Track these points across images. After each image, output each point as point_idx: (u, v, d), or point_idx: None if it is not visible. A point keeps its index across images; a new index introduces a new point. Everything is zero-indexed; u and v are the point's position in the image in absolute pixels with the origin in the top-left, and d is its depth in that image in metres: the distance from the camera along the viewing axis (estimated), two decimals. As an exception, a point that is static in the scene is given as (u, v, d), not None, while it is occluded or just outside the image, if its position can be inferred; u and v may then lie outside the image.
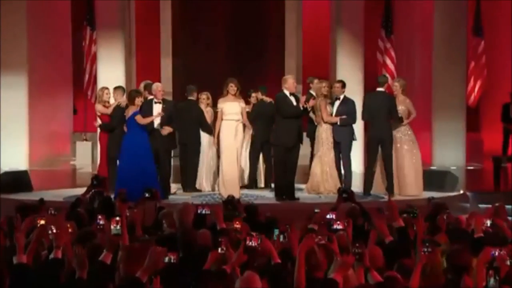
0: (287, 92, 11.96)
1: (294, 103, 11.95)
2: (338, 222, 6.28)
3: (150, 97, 12.38)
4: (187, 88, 13.35)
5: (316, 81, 13.40)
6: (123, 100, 12.43)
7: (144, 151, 11.78)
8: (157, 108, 12.16)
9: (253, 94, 13.48)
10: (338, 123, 12.55)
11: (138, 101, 11.85)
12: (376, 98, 12.49)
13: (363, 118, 12.63)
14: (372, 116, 12.39)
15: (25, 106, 17.07)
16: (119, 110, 12.31)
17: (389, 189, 12.20)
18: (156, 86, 12.42)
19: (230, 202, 8.73)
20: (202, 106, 13.16)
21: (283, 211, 9.95)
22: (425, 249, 5.52)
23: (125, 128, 11.96)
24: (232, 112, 12.35)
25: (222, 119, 12.41)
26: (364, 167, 12.79)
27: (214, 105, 12.97)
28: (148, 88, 12.70)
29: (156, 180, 11.69)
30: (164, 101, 12.28)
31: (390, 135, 12.39)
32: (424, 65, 17.72)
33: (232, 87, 12.38)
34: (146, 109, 12.09)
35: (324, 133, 12.69)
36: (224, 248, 5.73)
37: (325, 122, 12.67)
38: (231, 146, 12.27)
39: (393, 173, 12.35)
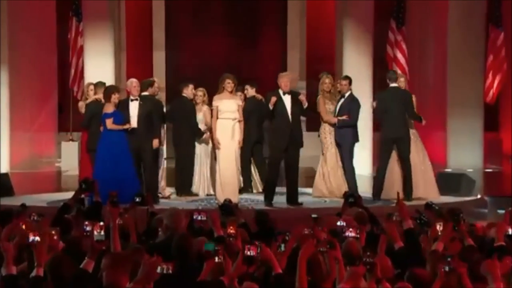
0: (280, 91, 12.02)
1: (287, 103, 11.99)
2: (351, 229, 6.29)
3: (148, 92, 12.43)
4: (180, 84, 13.36)
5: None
6: (99, 97, 12.50)
7: (121, 151, 11.82)
8: (133, 106, 12.19)
9: (239, 93, 13.10)
10: (336, 124, 12.59)
11: (114, 98, 11.94)
12: (390, 94, 12.51)
13: (376, 116, 12.61)
14: (386, 113, 12.42)
15: (6, 104, 17.10)
16: (91, 107, 12.42)
17: (407, 193, 12.20)
18: (130, 82, 12.45)
19: (227, 207, 8.74)
20: (197, 103, 13.17)
21: (285, 217, 9.96)
22: (446, 267, 5.50)
23: (101, 128, 12.04)
24: (228, 110, 12.35)
25: (218, 118, 12.41)
26: (376, 169, 12.76)
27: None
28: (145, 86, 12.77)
29: (137, 182, 11.75)
30: (141, 98, 12.29)
31: (407, 133, 12.45)
32: (438, 58, 17.74)
33: (229, 84, 12.36)
34: (122, 108, 12.16)
35: (323, 133, 12.78)
36: (221, 257, 5.75)
37: (324, 122, 12.74)
38: (228, 147, 12.28)
39: (411, 175, 12.40)
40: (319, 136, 12.97)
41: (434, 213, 8.03)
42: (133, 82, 12.40)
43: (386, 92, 12.73)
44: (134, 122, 12.17)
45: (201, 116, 13.08)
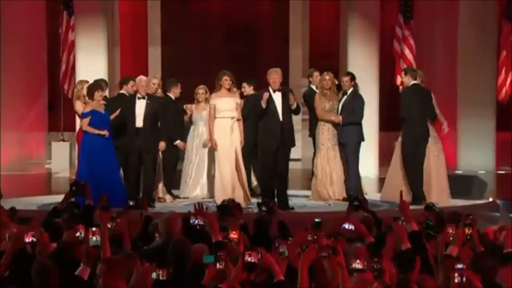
0: (270, 89, 12.00)
1: (278, 101, 11.96)
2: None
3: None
4: (166, 82, 13.36)
5: (316, 73, 13.47)
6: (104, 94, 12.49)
7: (103, 153, 11.79)
8: (140, 104, 12.19)
9: (234, 89, 13.00)
10: (341, 122, 12.59)
11: (98, 95, 11.92)
12: (412, 92, 12.50)
13: (403, 114, 12.59)
14: (408, 112, 12.43)
15: (-7, 102, 17.11)
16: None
17: (412, 197, 12.19)
18: (139, 79, 12.45)
19: (225, 208, 8.73)
20: (199, 102, 13.14)
21: (286, 221, 9.96)
22: (458, 278, 5.48)
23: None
24: (227, 108, 12.35)
25: (215, 117, 12.40)
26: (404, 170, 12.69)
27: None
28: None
29: (122, 187, 11.76)
30: (149, 97, 12.30)
31: (427, 133, 12.46)
32: (448, 54, 17.73)
33: (227, 81, 12.36)
34: (128, 105, 12.15)
35: (317, 133, 12.84)
36: (223, 264, 5.73)
37: (320, 120, 12.78)
38: (227, 146, 12.29)
39: (422, 178, 12.42)
40: (309, 135, 13.06)
41: (434, 215, 8.06)
42: (142, 79, 12.41)
43: (407, 90, 12.66)
44: (139, 121, 12.16)
45: (205, 114, 13.05)
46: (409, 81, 12.58)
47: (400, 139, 12.73)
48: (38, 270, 5.67)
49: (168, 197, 12.96)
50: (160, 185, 12.95)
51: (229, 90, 12.41)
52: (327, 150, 12.82)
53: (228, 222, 7.88)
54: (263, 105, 11.87)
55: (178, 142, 12.99)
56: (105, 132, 11.87)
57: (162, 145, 12.39)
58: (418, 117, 12.44)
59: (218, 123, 12.37)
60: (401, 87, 12.83)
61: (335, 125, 12.76)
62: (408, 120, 12.48)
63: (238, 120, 12.44)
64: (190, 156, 13.30)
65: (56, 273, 5.69)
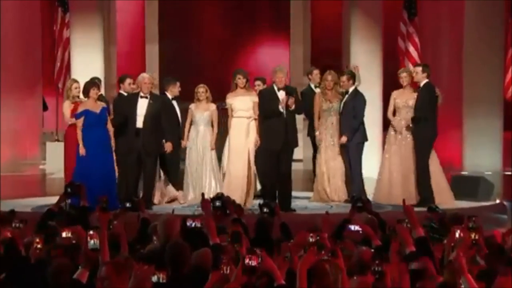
0: (275, 87, 12.02)
1: (281, 99, 11.99)
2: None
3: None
4: (164, 80, 13.35)
5: (315, 71, 13.46)
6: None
7: (97, 151, 11.79)
8: (142, 104, 12.18)
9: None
10: (345, 140, 12.62)
11: (93, 93, 11.91)
12: (427, 92, 12.52)
13: (419, 116, 12.59)
14: (423, 113, 12.46)
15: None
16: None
17: (422, 199, 12.20)
18: (142, 77, 12.42)
19: (219, 200, 8.72)
20: (200, 101, 13.15)
21: (288, 222, 9.98)
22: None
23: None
24: (243, 108, 12.38)
25: (232, 117, 12.43)
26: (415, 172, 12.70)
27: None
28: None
29: (114, 192, 11.76)
30: (151, 96, 12.29)
31: (436, 134, 12.50)
32: (453, 52, 17.73)
33: (240, 79, 12.39)
34: (130, 104, 12.15)
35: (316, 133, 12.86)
36: (225, 268, 5.73)
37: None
38: (241, 147, 12.30)
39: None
40: (307, 134, 13.07)
41: (437, 217, 8.05)
42: (145, 78, 12.38)
43: (423, 90, 12.58)
44: (140, 122, 12.15)
45: (207, 114, 13.03)
46: (424, 79, 12.55)
47: (403, 138, 12.71)
48: (55, 270, 5.68)
49: (180, 195, 12.91)
50: (160, 188, 12.95)
51: (243, 88, 12.43)
52: (325, 149, 12.85)
53: (226, 223, 7.90)
54: (290, 107, 11.90)
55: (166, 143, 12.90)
56: (82, 151, 11.81)
57: (168, 146, 12.37)
58: (431, 117, 12.44)
59: (234, 122, 12.42)
60: (404, 85, 12.73)
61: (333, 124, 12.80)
62: (422, 121, 12.47)
63: (255, 119, 12.44)
64: (194, 157, 13.20)
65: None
